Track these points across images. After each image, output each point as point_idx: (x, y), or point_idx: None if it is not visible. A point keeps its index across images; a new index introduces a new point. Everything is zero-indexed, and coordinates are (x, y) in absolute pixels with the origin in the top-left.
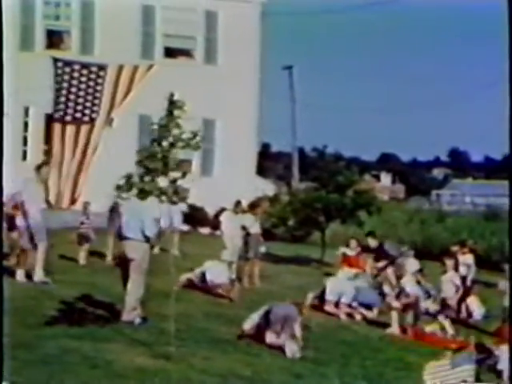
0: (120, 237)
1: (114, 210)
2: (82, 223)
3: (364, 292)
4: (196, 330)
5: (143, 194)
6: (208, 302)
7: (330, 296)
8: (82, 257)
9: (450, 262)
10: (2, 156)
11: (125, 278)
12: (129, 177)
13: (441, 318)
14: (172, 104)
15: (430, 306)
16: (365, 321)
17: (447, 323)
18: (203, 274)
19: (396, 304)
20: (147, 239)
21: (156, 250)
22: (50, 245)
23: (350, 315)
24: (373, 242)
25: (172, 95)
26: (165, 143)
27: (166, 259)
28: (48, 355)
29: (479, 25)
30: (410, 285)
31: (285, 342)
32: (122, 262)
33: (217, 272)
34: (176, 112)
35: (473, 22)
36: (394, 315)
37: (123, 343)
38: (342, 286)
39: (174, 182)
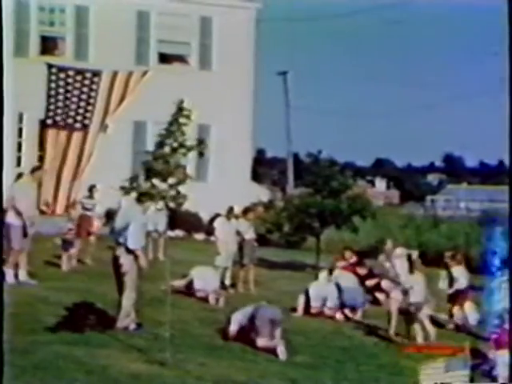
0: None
1: (109, 215)
2: (70, 229)
3: (349, 292)
4: (191, 336)
5: (144, 198)
6: (203, 307)
7: (314, 302)
8: (64, 262)
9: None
10: (1, 157)
11: (119, 284)
12: (133, 179)
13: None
14: (180, 111)
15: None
16: (356, 323)
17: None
18: (191, 280)
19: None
20: (130, 250)
21: (150, 255)
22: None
23: (331, 318)
24: (350, 256)
25: (182, 102)
26: (167, 148)
27: (160, 265)
28: (42, 361)
29: (478, 28)
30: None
31: (276, 344)
32: (115, 268)
33: (205, 278)
34: (182, 119)
35: (471, 26)
36: (395, 315)
37: (118, 349)
38: (325, 290)
39: (173, 186)
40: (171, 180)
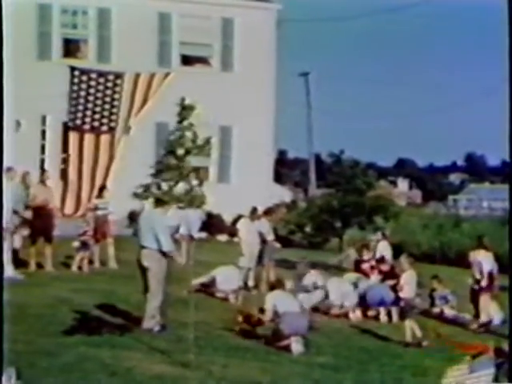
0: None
1: (132, 217)
2: (86, 231)
3: (372, 291)
4: (214, 338)
5: (160, 203)
6: (226, 309)
7: (335, 300)
8: (78, 263)
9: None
10: (2, 156)
11: (144, 286)
12: (146, 186)
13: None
14: (184, 109)
15: (447, 311)
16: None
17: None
18: (214, 280)
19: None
20: (163, 252)
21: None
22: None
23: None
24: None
25: (183, 100)
26: (180, 151)
27: (183, 267)
28: (67, 363)
29: (488, 26)
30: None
31: (291, 341)
32: (141, 270)
33: (227, 278)
34: (190, 117)
35: (483, 24)
36: (407, 324)
37: (142, 351)
38: (344, 288)
39: (190, 189)
40: (186, 183)
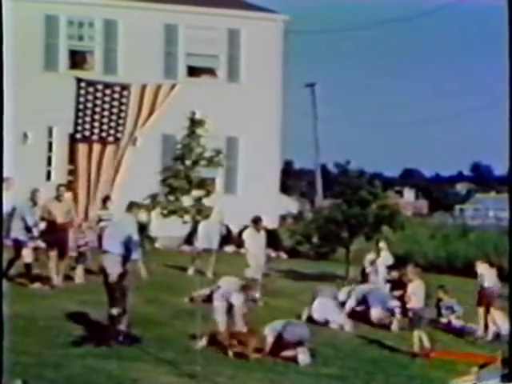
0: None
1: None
2: (86, 243)
3: (373, 293)
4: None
5: (167, 213)
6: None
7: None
8: (78, 275)
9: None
10: (2, 157)
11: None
12: (153, 196)
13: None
14: (194, 123)
15: (454, 321)
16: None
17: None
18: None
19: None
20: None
21: (190, 271)
22: None
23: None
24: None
25: (194, 113)
26: (188, 161)
27: (190, 278)
28: (74, 374)
29: (490, 29)
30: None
31: (297, 352)
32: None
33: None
34: (198, 130)
35: (485, 28)
36: (416, 335)
37: (149, 362)
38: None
39: (198, 200)
40: (194, 194)
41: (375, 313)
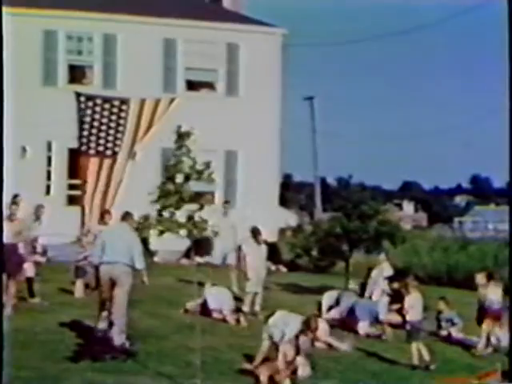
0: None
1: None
2: (86, 257)
3: (360, 305)
4: (221, 362)
5: (160, 232)
6: (232, 333)
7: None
8: (78, 289)
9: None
10: (2, 161)
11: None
12: (146, 218)
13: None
14: (180, 136)
15: (454, 333)
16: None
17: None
18: (205, 301)
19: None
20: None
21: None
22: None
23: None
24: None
25: (179, 127)
26: (179, 178)
27: (190, 291)
28: None
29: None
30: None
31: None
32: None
33: (218, 298)
34: (187, 142)
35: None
36: (414, 347)
37: (149, 376)
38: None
39: (192, 215)
40: (188, 208)
41: (363, 326)
